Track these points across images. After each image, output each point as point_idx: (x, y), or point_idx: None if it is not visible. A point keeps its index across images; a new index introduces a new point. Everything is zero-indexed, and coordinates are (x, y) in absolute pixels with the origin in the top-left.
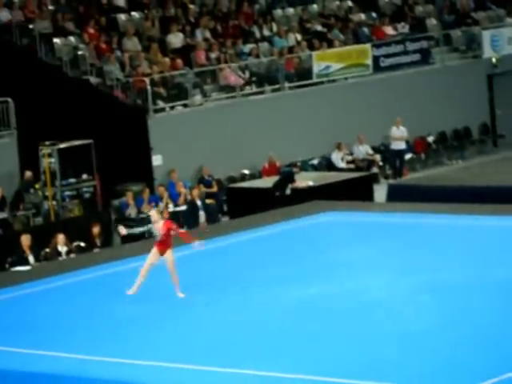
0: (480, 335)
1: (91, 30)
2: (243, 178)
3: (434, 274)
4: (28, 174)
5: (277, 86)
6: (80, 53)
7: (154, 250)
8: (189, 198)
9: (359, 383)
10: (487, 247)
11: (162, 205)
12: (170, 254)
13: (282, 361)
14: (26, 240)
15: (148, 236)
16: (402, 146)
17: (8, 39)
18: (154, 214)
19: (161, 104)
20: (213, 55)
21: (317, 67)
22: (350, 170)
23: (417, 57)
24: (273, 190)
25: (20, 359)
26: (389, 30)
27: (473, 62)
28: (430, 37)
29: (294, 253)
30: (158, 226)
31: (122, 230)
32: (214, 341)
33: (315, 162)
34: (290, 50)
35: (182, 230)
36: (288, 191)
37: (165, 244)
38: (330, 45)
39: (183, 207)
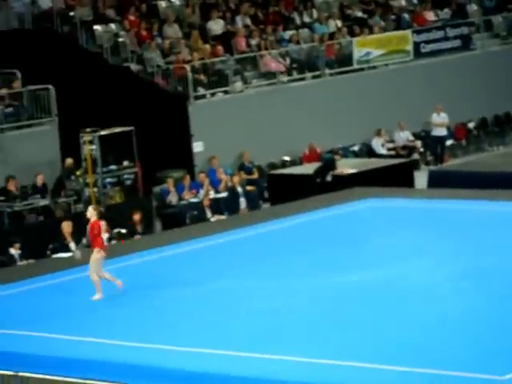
0: None
1: (132, 17)
2: (284, 164)
3: (474, 260)
4: (69, 161)
5: (317, 73)
6: (120, 40)
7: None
8: (229, 184)
9: (400, 369)
10: None
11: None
12: (93, 253)
13: (321, 347)
14: (67, 227)
15: (190, 222)
16: (442, 132)
17: (49, 27)
18: (90, 210)
19: (201, 91)
20: (253, 42)
21: (357, 53)
22: (390, 156)
23: (457, 43)
24: (314, 176)
25: (60, 345)
26: (430, 16)
27: None
28: (471, 23)
29: (335, 239)
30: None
31: (77, 255)
32: (253, 327)
33: (356, 148)
34: (331, 36)
35: (100, 236)
36: (329, 178)
37: (92, 243)
38: (371, 31)
39: (224, 194)
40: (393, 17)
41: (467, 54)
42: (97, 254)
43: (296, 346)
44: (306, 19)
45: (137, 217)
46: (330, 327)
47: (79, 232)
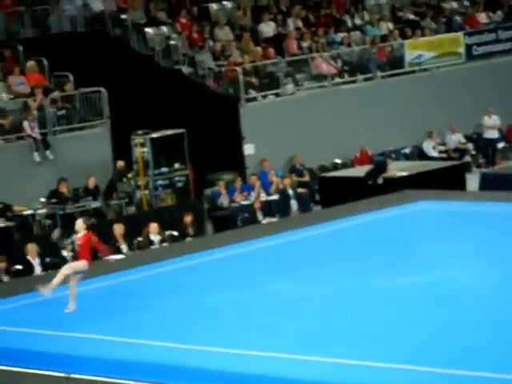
0: None
1: (183, 20)
2: (335, 167)
3: None
4: (120, 163)
5: (369, 75)
6: (172, 42)
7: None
8: (281, 187)
9: (451, 372)
10: None
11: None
12: (80, 262)
13: (371, 350)
14: (118, 229)
15: (241, 224)
16: (494, 134)
17: (101, 29)
18: (79, 223)
19: (253, 93)
20: (304, 44)
21: (409, 56)
22: (442, 158)
23: (509, 45)
24: (365, 179)
25: (112, 347)
26: (481, 19)
27: None
28: None
29: (386, 242)
30: (77, 236)
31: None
32: (305, 330)
33: (407, 151)
34: (382, 38)
35: (101, 245)
36: (380, 180)
37: (79, 255)
38: (423, 33)
39: (275, 196)
40: (444, 19)
41: None
42: (82, 266)
43: (350, 349)
44: (358, 21)
45: (188, 219)
46: (383, 330)
47: (131, 234)
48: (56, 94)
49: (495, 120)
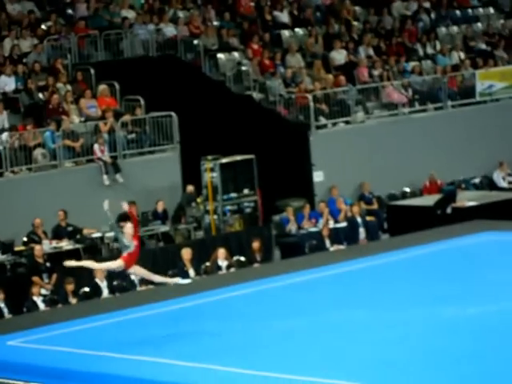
0: None
1: (255, 46)
2: (404, 195)
3: None
4: (190, 187)
5: (439, 105)
6: (243, 68)
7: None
8: (349, 214)
9: None
10: None
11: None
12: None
13: (436, 379)
14: (186, 253)
15: (309, 251)
16: None
17: (173, 54)
18: (129, 226)
19: (323, 120)
20: (375, 72)
21: (480, 86)
22: (511, 189)
23: None
24: (434, 208)
25: (179, 372)
26: None
27: None
28: None
29: (454, 271)
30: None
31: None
32: (369, 358)
33: (477, 180)
34: (454, 68)
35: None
36: (449, 210)
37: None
38: (494, 63)
39: (343, 224)
40: None
41: None
42: (117, 265)
43: (412, 378)
44: (429, 51)
45: (256, 245)
46: (445, 359)
47: (198, 259)
48: (127, 118)
49: None
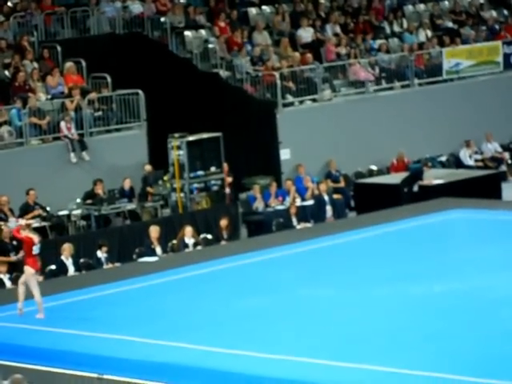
0: None
1: (222, 24)
2: (371, 173)
3: None
4: (147, 167)
5: (406, 83)
6: (210, 46)
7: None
8: (316, 192)
9: (485, 381)
10: None
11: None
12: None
13: (403, 357)
14: (154, 232)
15: (275, 229)
16: None
17: (140, 32)
18: (23, 222)
19: (290, 98)
20: (342, 50)
21: (447, 64)
22: (478, 167)
23: None
24: (401, 186)
25: (145, 349)
26: None
27: None
28: None
29: (420, 250)
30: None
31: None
32: (335, 335)
33: (443, 158)
34: (420, 46)
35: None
36: (416, 188)
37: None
38: (461, 41)
39: (310, 202)
40: (483, 28)
41: None
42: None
43: (374, 355)
44: (396, 29)
45: (223, 223)
46: (410, 337)
47: (165, 237)
48: (93, 96)
49: None
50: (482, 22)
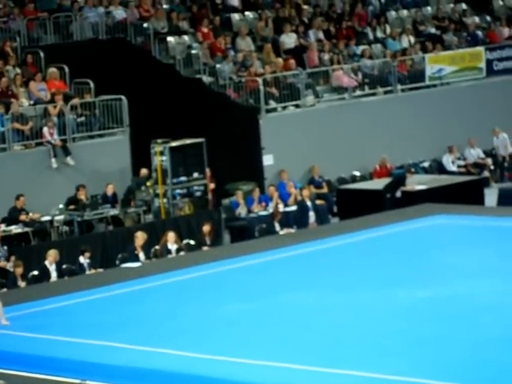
0: None
1: (205, 30)
2: (354, 179)
3: None
4: (143, 171)
5: (389, 88)
6: (193, 52)
7: None
8: (299, 198)
9: None
10: None
11: None
12: None
13: (386, 363)
14: (141, 238)
15: (258, 235)
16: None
17: (122, 37)
18: None
19: (273, 104)
20: (325, 56)
21: (430, 70)
22: (460, 173)
23: None
24: (383, 192)
25: (128, 355)
26: (503, 34)
27: None
28: None
29: (404, 255)
30: None
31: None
32: (318, 341)
33: (426, 164)
34: (403, 52)
35: None
36: (398, 194)
37: None
38: (444, 47)
39: (293, 207)
40: (466, 34)
41: None
42: None
43: (357, 361)
44: (379, 34)
45: (206, 228)
46: (394, 343)
47: (148, 243)
48: (76, 101)
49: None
50: (465, 28)
